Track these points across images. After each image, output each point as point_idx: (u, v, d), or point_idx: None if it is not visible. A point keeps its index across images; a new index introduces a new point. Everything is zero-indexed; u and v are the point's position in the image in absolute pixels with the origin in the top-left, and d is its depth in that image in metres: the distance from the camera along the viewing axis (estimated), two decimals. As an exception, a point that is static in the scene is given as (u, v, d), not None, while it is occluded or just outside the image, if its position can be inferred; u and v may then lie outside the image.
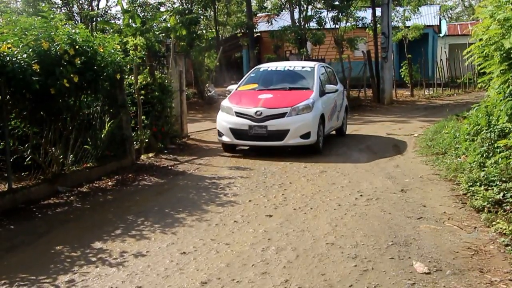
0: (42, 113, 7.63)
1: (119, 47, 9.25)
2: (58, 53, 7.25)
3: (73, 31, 7.81)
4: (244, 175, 8.69)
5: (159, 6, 25.17)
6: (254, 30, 24.97)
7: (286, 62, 14.18)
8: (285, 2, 23.17)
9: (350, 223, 5.98)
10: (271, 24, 23.43)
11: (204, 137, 13.46)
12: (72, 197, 7.42)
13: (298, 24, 22.24)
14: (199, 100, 22.72)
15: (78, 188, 7.84)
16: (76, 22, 25.76)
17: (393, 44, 24.89)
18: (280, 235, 5.56)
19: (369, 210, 6.49)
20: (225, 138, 10.59)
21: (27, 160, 7.62)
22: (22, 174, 7.75)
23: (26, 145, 7.57)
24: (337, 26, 22.50)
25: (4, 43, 6.81)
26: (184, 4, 25.12)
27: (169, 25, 23.35)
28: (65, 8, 26.21)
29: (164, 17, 23.92)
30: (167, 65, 13.71)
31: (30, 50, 7.01)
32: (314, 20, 22.30)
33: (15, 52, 6.76)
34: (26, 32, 7.25)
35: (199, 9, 24.15)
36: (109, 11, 26.67)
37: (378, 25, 22.29)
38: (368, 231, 5.68)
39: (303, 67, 12.01)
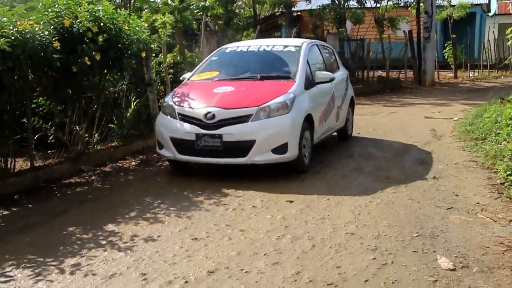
0: (66, 91, 7.61)
1: (146, 24, 9.14)
2: (80, 30, 7.17)
3: (97, 8, 7.69)
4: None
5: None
6: (293, 9, 24.54)
7: (264, 40, 10.06)
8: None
9: (374, 211, 5.69)
10: (310, 2, 22.96)
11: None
12: (93, 177, 7.39)
13: (337, 2, 21.66)
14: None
15: (101, 168, 7.81)
16: (115, 1, 25.89)
17: (436, 24, 24.07)
18: (298, 223, 5.33)
19: (396, 197, 6.17)
20: (165, 152, 7.37)
21: (50, 138, 7.62)
22: (48, 152, 7.73)
23: (50, 123, 7.56)
24: (378, 5, 21.76)
25: (26, 20, 6.76)
26: (222, -19, 24.85)
27: (207, 3, 23.30)
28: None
29: (203, -5, 23.85)
30: (199, 43, 13.58)
31: (52, 27, 6.95)
32: None
33: (36, 29, 6.70)
34: (49, 9, 7.18)
35: (237, -13, 23.91)
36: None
37: (421, 4, 21.54)
38: (392, 220, 5.37)
39: (285, 47, 8.56)
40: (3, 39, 6.09)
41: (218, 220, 5.45)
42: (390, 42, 21.04)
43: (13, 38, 6.31)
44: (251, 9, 24.27)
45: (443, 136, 10.18)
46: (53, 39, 6.72)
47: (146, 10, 23.70)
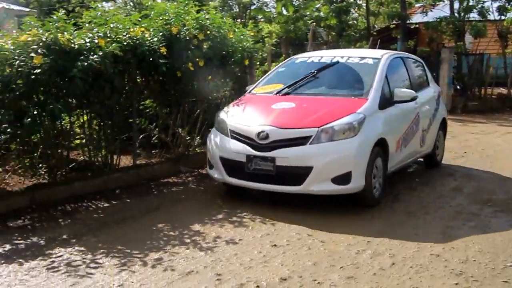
0: (171, 95, 7.99)
1: (252, 33, 9.38)
2: (187, 37, 7.52)
3: (205, 16, 8.02)
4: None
5: (311, -6, 25.16)
6: (409, 21, 23.97)
7: (340, 51, 8.96)
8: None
9: (466, 234, 5.44)
10: (426, 14, 22.25)
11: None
12: (190, 178, 7.68)
13: (457, 14, 20.77)
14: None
15: (199, 170, 8.05)
16: (232, 10, 26.73)
17: None
18: (381, 239, 5.24)
19: (494, 222, 5.88)
20: (214, 173, 6.63)
21: (154, 139, 8.04)
22: (152, 152, 8.15)
23: (154, 125, 7.98)
24: (502, 17, 20.56)
25: (138, 27, 7.20)
26: (336, -8, 24.83)
27: (321, 14, 23.40)
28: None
29: (318, 5, 24.02)
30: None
31: (160, 34, 7.35)
32: (475, 10, 20.61)
33: (146, 35, 7.12)
34: (160, 17, 7.61)
35: (351, -1, 23.75)
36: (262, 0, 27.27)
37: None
38: (485, 246, 5.09)
39: (362, 59, 7.39)
40: (115, 44, 6.54)
41: (301, 229, 5.47)
42: (514, 57, 19.68)
43: (125, 43, 6.77)
44: (365, 21, 24.02)
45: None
46: (161, 45, 7.11)
47: (260, 19, 24.36)
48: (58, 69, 6.07)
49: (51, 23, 6.39)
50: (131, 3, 24.78)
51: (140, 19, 7.49)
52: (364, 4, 24.37)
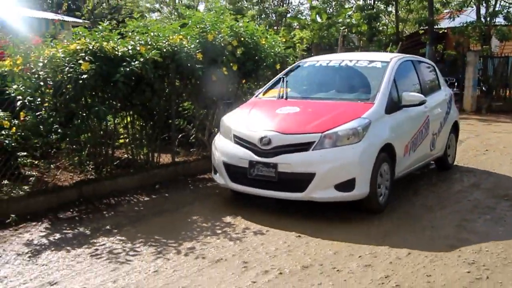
0: (207, 97, 8.08)
1: (284, 39, 9.41)
2: (222, 44, 7.60)
3: (238, 24, 8.09)
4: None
5: (344, 2, 25.04)
6: (437, 27, 23.55)
7: (349, 54, 8.07)
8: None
9: (481, 227, 5.38)
10: (453, 20, 21.85)
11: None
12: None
13: (483, 19, 20.32)
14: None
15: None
16: (269, 17, 26.78)
17: None
18: (400, 231, 5.22)
19: (509, 215, 5.77)
20: (218, 178, 6.19)
21: (191, 138, 8.15)
22: (190, 150, 8.25)
23: (192, 125, 8.10)
24: (528, 21, 20.06)
25: (176, 35, 7.32)
26: (367, 0, 24.63)
27: (353, 20, 23.24)
28: (259, 5, 27.22)
29: (350, 13, 23.87)
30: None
31: (197, 41, 7.44)
32: (501, 15, 20.17)
33: (184, 42, 7.22)
34: (197, 26, 7.71)
35: (381, 5, 23.48)
36: (297, 8, 27.25)
37: None
38: (499, 237, 5.03)
39: (370, 62, 6.79)
40: (155, 50, 6.66)
41: (326, 220, 5.51)
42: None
43: (164, 50, 6.89)
44: (395, 27, 23.73)
45: None
46: (197, 51, 7.20)
47: (296, 26, 24.33)
48: (103, 75, 6.20)
49: (97, 33, 6.56)
50: (175, 13, 25.17)
51: (179, 28, 7.62)
52: (394, 11, 24.12)
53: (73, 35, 6.67)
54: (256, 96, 7.03)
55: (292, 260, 4.42)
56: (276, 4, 27.71)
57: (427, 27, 22.00)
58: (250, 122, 5.99)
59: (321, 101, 6.35)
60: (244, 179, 5.70)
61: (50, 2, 27.11)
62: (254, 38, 8.13)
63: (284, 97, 6.60)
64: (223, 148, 6.06)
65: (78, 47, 6.24)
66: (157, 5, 30.40)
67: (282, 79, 6.98)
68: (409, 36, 26.13)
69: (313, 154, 5.37)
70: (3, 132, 5.86)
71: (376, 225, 5.39)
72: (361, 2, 24.93)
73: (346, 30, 22.46)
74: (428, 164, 7.86)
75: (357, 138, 5.45)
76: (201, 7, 27.15)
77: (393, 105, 6.14)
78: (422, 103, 6.41)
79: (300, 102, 6.34)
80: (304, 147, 5.42)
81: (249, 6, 26.28)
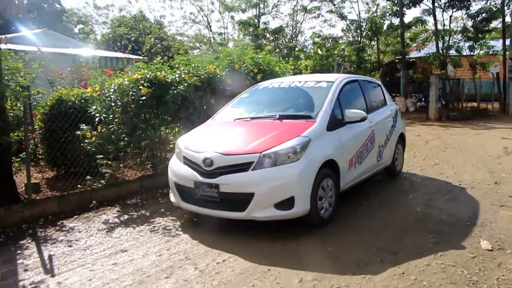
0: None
1: (292, 67, 9.35)
2: (245, 71, 7.59)
3: (258, 56, 8.07)
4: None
5: (338, 39, 24.90)
6: (408, 56, 23.31)
7: (300, 77, 6.43)
8: (432, 36, 21.45)
9: (442, 204, 5.26)
10: (419, 51, 21.84)
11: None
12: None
13: (441, 51, 20.42)
14: (363, 107, 22.06)
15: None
16: (282, 51, 26.70)
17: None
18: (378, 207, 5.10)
19: (462, 195, 5.64)
20: (172, 198, 5.03)
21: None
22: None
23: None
24: (472, 53, 20.23)
25: (211, 65, 7.33)
26: (355, 37, 24.45)
27: (346, 52, 23.10)
28: (274, 42, 27.17)
29: (343, 47, 23.72)
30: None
31: (227, 69, 7.44)
32: (453, 48, 20.40)
33: (217, 71, 7.23)
34: (227, 58, 7.72)
35: (366, 41, 23.30)
36: (303, 43, 27.14)
37: (507, 52, 19.36)
38: (454, 212, 4.93)
39: (317, 83, 5.67)
40: (196, 77, 6.67)
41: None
42: (480, 81, 19.48)
43: (202, 77, 6.89)
44: (376, 56, 23.49)
45: (516, 153, 8.91)
46: (227, 77, 7.19)
47: (302, 58, 24.24)
48: (157, 96, 6.23)
49: (153, 66, 6.61)
50: (211, 49, 25.27)
51: (213, 60, 7.64)
52: (376, 45, 23.92)
53: (135, 68, 6.72)
54: (213, 118, 5.78)
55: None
56: (287, 41, 27.61)
57: (400, 57, 21.89)
58: (198, 144, 4.82)
59: (267, 120, 5.07)
60: (192, 198, 4.59)
61: (119, 45, 27.52)
62: (270, 66, 8.09)
63: (234, 118, 5.39)
64: (174, 168, 4.91)
65: (139, 76, 6.29)
66: (197, 44, 30.59)
67: (238, 101, 5.97)
68: (388, 63, 25.93)
69: (252, 174, 4.22)
70: (86, 140, 5.94)
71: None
72: (351, 39, 24.82)
73: (340, 59, 22.35)
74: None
75: (295, 156, 4.30)
76: (230, 44, 27.20)
77: (337, 122, 5.00)
78: (364, 119, 5.25)
79: (246, 123, 5.16)
80: (243, 167, 4.26)
81: (266, 43, 26.22)
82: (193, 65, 7.02)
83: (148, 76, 6.27)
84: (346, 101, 5.44)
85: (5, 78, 5.43)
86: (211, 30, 29.90)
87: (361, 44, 22.70)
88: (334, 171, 4.75)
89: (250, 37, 26.08)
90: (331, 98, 5.16)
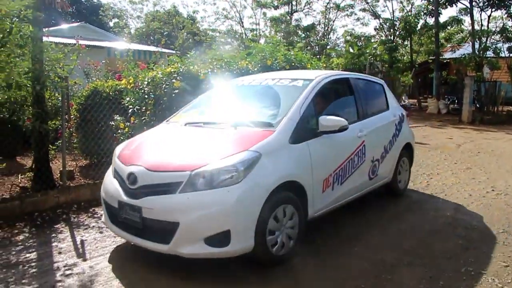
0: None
1: (324, 65, 9.26)
2: (278, 67, 7.56)
3: (290, 53, 8.03)
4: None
5: (370, 38, 24.53)
6: (442, 57, 22.74)
7: (277, 73, 5.12)
8: (467, 36, 20.77)
9: (473, 209, 5.11)
10: (454, 52, 21.24)
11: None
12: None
13: (477, 52, 19.77)
14: (394, 108, 21.68)
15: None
16: (313, 48, 26.52)
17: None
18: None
19: (495, 202, 5.44)
20: (102, 216, 4.04)
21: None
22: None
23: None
24: (511, 55, 19.45)
25: (243, 60, 7.34)
26: (388, 36, 24.01)
27: (378, 51, 22.72)
28: (306, 39, 27.02)
29: (375, 45, 23.34)
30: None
31: (259, 65, 7.43)
32: (490, 49, 19.69)
33: (249, 66, 7.23)
34: (259, 54, 7.71)
35: (399, 40, 22.85)
36: (334, 41, 26.88)
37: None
38: (486, 218, 4.78)
39: (292, 81, 4.42)
40: (228, 72, 6.69)
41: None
42: (516, 84, 18.80)
43: (234, 72, 6.91)
44: (409, 57, 23.02)
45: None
46: (259, 73, 7.18)
47: (333, 56, 24.02)
48: (189, 90, 6.30)
49: (186, 60, 6.67)
50: (242, 46, 25.36)
51: (245, 56, 7.64)
52: (409, 45, 23.44)
53: (168, 62, 6.81)
54: (167, 120, 4.64)
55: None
56: (318, 38, 27.40)
57: (434, 57, 21.38)
58: (132, 153, 3.84)
59: (219, 128, 3.91)
60: (116, 219, 3.64)
61: (152, 39, 27.96)
62: (302, 63, 8.01)
63: (186, 123, 4.25)
64: (105, 181, 3.92)
65: (172, 70, 6.36)
66: (229, 40, 30.77)
67: (200, 101, 4.84)
68: (421, 64, 25.36)
69: (178, 198, 3.19)
70: (119, 131, 6.06)
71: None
72: (384, 38, 24.39)
73: (372, 58, 21.97)
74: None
75: (235, 178, 3.20)
76: (262, 40, 27.22)
77: (307, 132, 3.83)
78: (342, 129, 3.96)
79: (196, 130, 4.04)
80: (171, 188, 3.25)
81: (298, 40, 26.11)
82: (225, 60, 7.05)
83: (181, 70, 6.33)
84: (326, 105, 4.35)
85: (46, 68, 5.62)
86: (243, 26, 30.06)
87: (394, 44, 22.26)
88: (298, 195, 3.65)
89: (282, 34, 26.02)
90: (302, 101, 3.95)
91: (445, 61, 24.02)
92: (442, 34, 22.70)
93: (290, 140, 3.65)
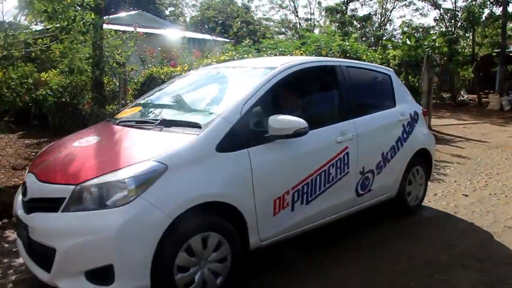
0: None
1: (380, 56, 8.94)
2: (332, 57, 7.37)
3: (345, 43, 7.79)
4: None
5: (429, 29, 23.45)
6: (507, 50, 21.29)
7: (247, 60, 4.42)
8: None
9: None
10: (522, 45, 19.85)
11: (443, 130, 12.05)
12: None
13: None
14: (452, 102, 20.63)
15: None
16: (369, 39, 25.74)
17: None
18: (466, 211, 4.66)
19: None
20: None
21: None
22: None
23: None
24: None
25: (298, 50, 7.21)
26: (449, 27, 22.81)
27: (437, 43, 21.70)
28: (361, 30, 26.29)
29: (434, 37, 22.29)
30: (422, 73, 12.77)
31: (313, 55, 7.27)
32: None
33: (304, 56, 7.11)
34: (313, 44, 7.54)
35: (460, 32, 21.64)
36: (391, 32, 25.96)
37: None
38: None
39: (253, 69, 3.41)
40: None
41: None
42: None
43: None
44: (470, 50, 21.78)
45: None
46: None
47: (389, 47, 23.19)
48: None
49: (240, 48, 6.63)
50: (296, 35, 25.11)
51: (300, 45, 7.49)
52: (471, 37, 22.17)
53: (223, 50, 6.80)
54: (115, 117, 3.70)
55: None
56: (374, 29, 26.56)
57: (499, 50, 20.03)
58: (40, 156, 3.24)
59: (145, 128, 3.05)
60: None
61: (207, 27, 28.29)
62: (358, 54, 7.77)
63: (120, 121, 3.39)
64: (19, 190, 3.11)
65: (226, 58, 6.36)
66: (283, 29, 30.53)
67: (152, 93, 3.96)
68: (483, 57, 23.90)
69: (58, 218, 2.46)
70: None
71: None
72: (443, 29, 23.22)
73: (430, 50, 21.00)
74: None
75: (124, 197, 2.39)
76: (316, 30, 26.77)
77: (249, 136, 2.84)
78: (298, 133, 2.88)
79: (121, 130, 3.18)
80: (55, 204, 2.50)
81: (353, 30, 25.46)
82: (280, 49, 6.95)
83: (235, 58, 6.31)
84: (290, 101, 3.37)
85: (106, 55, 5.77)
86: (297, 16, 29.63)
87: (455, 35, 21.09)
88: (232, 219, 2.75)
89: (337, 24, 25.42)
90: (248, 96, 2.94)
91: (511, 55, 22.48)
92: (510, 25, 21.21)
93: (219, 148, 2.69)
